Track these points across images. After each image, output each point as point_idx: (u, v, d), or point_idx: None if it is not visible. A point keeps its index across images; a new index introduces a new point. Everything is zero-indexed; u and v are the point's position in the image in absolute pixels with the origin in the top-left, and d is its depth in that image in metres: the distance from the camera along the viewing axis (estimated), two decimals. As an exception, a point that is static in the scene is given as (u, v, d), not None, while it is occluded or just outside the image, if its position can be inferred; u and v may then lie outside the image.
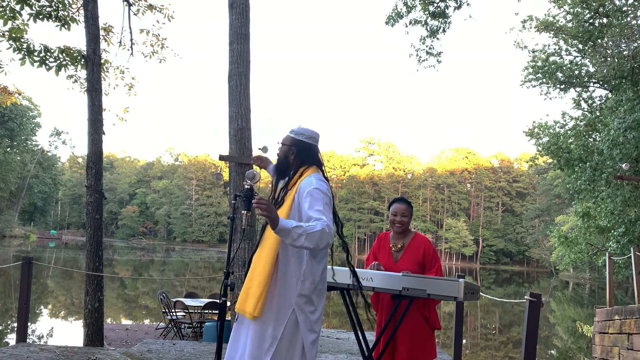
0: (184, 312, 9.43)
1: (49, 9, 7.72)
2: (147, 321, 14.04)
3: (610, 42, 15.55)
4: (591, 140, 17.78)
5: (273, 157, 3.08)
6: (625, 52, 15.13)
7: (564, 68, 18.40)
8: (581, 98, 19.12)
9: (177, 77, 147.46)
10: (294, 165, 2.87)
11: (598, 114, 18.17)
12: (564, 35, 18.44)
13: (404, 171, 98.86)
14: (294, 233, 2.47)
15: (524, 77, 19.34)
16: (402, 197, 3.88)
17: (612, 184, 15.97)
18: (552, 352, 14.82)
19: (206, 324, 8.12)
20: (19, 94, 9.31)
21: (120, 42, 9.72)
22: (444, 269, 3.77)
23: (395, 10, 12.33)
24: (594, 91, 19.19)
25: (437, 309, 3.66)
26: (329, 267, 3.15)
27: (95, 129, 7.13)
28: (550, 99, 19.63)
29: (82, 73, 8.44)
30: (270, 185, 3.02)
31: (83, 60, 7.49)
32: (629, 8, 16.34)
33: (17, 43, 7.36)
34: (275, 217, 2.46)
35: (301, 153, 2.87)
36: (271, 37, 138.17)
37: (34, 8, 7.55)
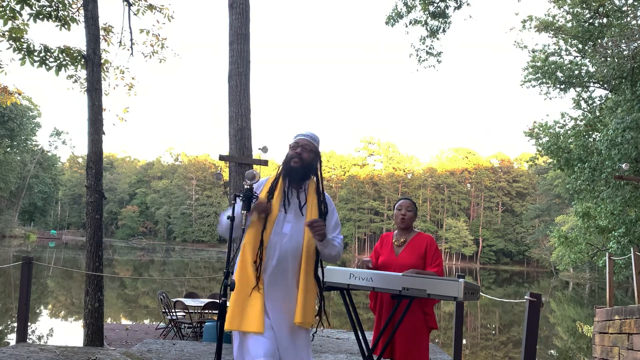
0: (184, 312, 9.43)
1: (49, 9, 7.72)
2: (146, 321, 14.04)
3: (610, 42, 15.55)
4: (591, 140, 17.77)
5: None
6: (625, 52, 15.13)
7: (564, 68, 18.39)
8: (581, 98, 19.10)
9: (177, 77, 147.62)
10: (312, 174, 2.88)
11: (598, 114, 18.17)
12: (563, 35, 18.44)
13: (404, 171, 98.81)
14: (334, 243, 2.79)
15: (524, 77, 19.34)
16: (408, 197, 4.11)
17: (612, 184, 15.97)
18: (552, 352, 14.81)
19: (206, 324, 8.11)
20: (19, 94, 9.32)
21: (120, 42, 9.74)
22: (444, 269, 3.75)
23: (395, 10, 12.33)
24: (593, 91, 19.19)
25: (436, 308, 3.65)
26: (329, 267, 3.14)
27: (95, 129, 7.13)
28: (550, 99, 19.65)
29: (82, 73, 8.45)
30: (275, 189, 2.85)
31: (83, 60, 7.49)
32: (629, 8, 16.34)
33: (17, 43, 7.37)
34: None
35: (321, 164, 2.94)
36: (271, 37, 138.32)
37: (34, 8, 7.55)
